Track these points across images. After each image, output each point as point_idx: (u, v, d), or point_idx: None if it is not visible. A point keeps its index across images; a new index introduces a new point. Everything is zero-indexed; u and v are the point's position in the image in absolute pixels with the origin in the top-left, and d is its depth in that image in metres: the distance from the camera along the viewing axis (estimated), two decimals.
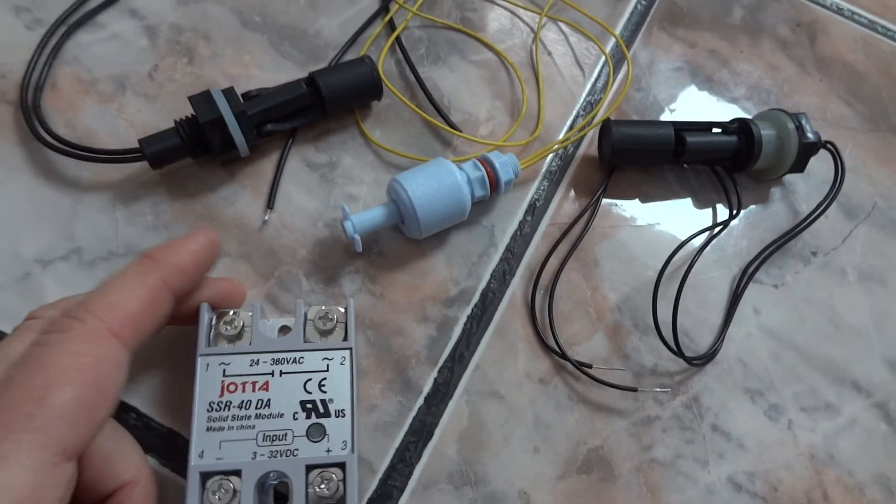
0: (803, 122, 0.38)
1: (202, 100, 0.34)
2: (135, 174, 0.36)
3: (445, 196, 0.32)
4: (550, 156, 0.40)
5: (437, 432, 0.33)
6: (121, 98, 0.37)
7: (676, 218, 0.39)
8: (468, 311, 0.35)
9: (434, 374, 0.34)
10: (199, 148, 0.34)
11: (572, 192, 0.39)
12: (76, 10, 0.39)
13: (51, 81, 0.37)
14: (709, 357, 0.35)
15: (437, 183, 0.32)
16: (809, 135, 0.38)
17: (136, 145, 0.34)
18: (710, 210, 0.40)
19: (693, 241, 0.37)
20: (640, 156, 0.38)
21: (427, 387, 0.33)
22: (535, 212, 0.38)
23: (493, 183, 0.35)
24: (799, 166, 0.38)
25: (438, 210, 0.32)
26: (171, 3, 0.40)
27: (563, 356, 0.34)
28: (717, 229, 0.38)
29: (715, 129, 0.39)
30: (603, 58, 0.43)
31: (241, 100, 0.34)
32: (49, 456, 0.21)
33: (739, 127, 0.38)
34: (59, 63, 0.38)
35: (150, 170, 0.35)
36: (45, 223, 0.34)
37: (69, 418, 0.22)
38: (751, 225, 0.40)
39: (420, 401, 0.33)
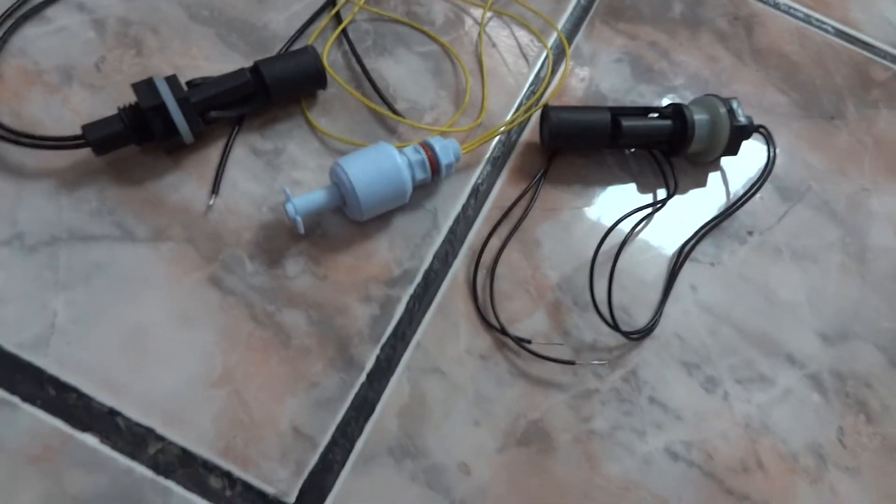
0: (734, 105, 0.40)
1: (145, 86, 0.34)
2: (79, 162, 0.36)
3: (386, 178, 0.33)
4: (494, 142, 0.41)
5: (379, 408, 0.33)
6: (67, 89, 0.38)
7: (617, 200, 0.40)
8: (411, 290, 0.36)
9: (376, 351, 0.34)
10: (143, 134, 0.35)
11: (515, 178, 0.40)
12: (23, 4, 0.39)
13: None
14: (646, 332, 0.36)
15: (378, 166, 0.33)
16: (741, 118, 0.39)
17: (81, 133, 0.34)
18: (650, 194, 0.41)
19: (631, 220, 0.38)
20: (579, 140, 0.39)
21: (369, 364, 0.34)
22: (479, 196, 0.39)
23: (434, 166, 0.36)
24: (732, 149, 0.40)
25: (379, 192, 0.33)
26: None
27: (503, 332, 0.35)
28: (653, 209, 0.39)
29: (651, 115, 0.40)
30: (546, 51, 0.45)
31: (185, 87, 0.35)
32: None
33: (674, 111, 0.40)
34: (5, 55, 0.38)
35: (94, 158, 0.36)
36: None
37: None
38: (688, 206, 0.41)
39: (362, 377, 0.34)
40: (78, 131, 0.35)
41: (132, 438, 0.31)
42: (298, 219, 0.33)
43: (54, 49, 0.39)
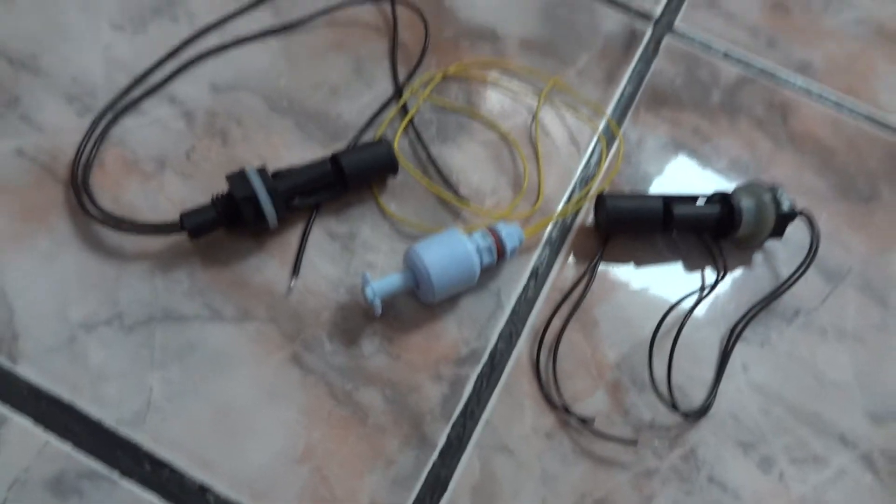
0: (778, 193, 0.42)
1: (237, 178, 0.37)
2: (172, 245, 0.39)
3: (457, 263, 0.36)
4: (550, 225, 0.43)
5: (452, 485, 0.35)
6: (161, 176, 0.41)
7: (668, 281, 0.43)
8: (478, 369, 0.38)
9: (447, 429, 0.36)
10: (233, 220, 0.38)
11: (571, 259, 0.42)
12: (121, 98, 0.43)
13: (98, 162, 0.41)
14: (702, 411, 0.38)
15: (450, 251, 0.36)
16: (785, 205, 0.42)
17: (175, 218, 0.37)
18: (698, 273, 0.43)
19: (683, 302, 0.40)
20: (633, 225, 0.42)
21: (441, 441, 0.36)
22: (538, 277, 0.42)
23: (500, 250, 0.38)
24: (777, 233, 0.42)
25: (451, 276, 0.36)
26: (206, 90, 0.45)
27: (567, 411, 0.37)
28: (705, 292, 0.41)
29: (700, 202, 0.43)
30: (596, 136, 0.48)
31: (271, 177, 0.38)
32: None
33: (721, 199, 0.42)
34: (106, 145, 0.42)
35: (186, 241, 0.39)
36: (90, 291, 0.37)
37: None
38: (736, 287, 0.43)
39: (435, 455, 0.35)
40: (171, 217, 0.38)
41: None
42: (377, 301, 0.36)
43: (150, 139, 0.42)
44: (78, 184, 0.39)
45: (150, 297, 0.37)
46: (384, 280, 0.36)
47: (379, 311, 0.36)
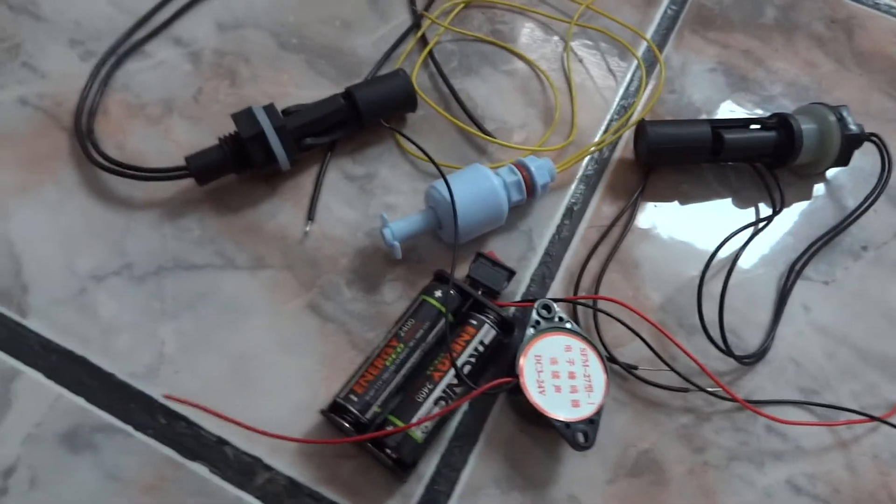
0: (845, 113, 0.37)
1: (244, 116, 0.35)
2: (181, 192, 0.37)
3: (483, 200, 0.33)
4: (586, 160, 0.40)
5: (482, 437, 0.32)
6: (168, 120, 0.39)
7: (718, 217, 0.39)
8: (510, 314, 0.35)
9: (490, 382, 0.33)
10: (242, 163, 0.35)
11: (609, 195, 0.39)
12: (125, 41, 0.41)
13: (102, 108, 0.39)
14: (759, 355, 0.35)
15: (475, 187, 0.33)
16: (852, 126, 0.37)
17: (183, 164, 0.35)
18: (752, 209, 0.39)
19: (736, 238, 0.37)
20: (677, 155, 0.38)
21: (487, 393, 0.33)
22: (573, 215, 0.38)
23: (530, 187, 0.35)
24: (843, 160, 0.38)
25: (477, 214, 0.33)
26: (212, 29, 0.42)
27: (610, 358, 0.34)
28: (760, 225, 0.37)
29: (753, 126, 0.39)
30: (635, 62, 0.43)
31: (281, 115, 0.36)
32: None
33: (778, 122, 0.38)
34: (109, 90, 0.39)
35: (195, 187, 0.36)
36: (98, 240, 0.35)
37: None
38: (795, 221, 0.39)
39: (465, 406, 0.33)
40: (179, 162, 0.36)
41: (240, 468, 0.31)
42: (396, 244, 0.33)
43: (154, 83, 0.40)
44: (82, 131, 0.37)
45: (160, 247, 0.35)
46: (404, 220, 0.33)
47: (399, 254, 0.33)
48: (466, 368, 0.31)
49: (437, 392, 0.30)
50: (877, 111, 0.43)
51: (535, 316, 0.32)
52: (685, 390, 0.33)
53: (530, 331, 0.31)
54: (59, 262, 0.35)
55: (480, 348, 0.31)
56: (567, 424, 0.30)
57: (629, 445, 0.33)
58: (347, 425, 0.29)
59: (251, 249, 0.36)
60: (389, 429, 0.29)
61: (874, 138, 0.38)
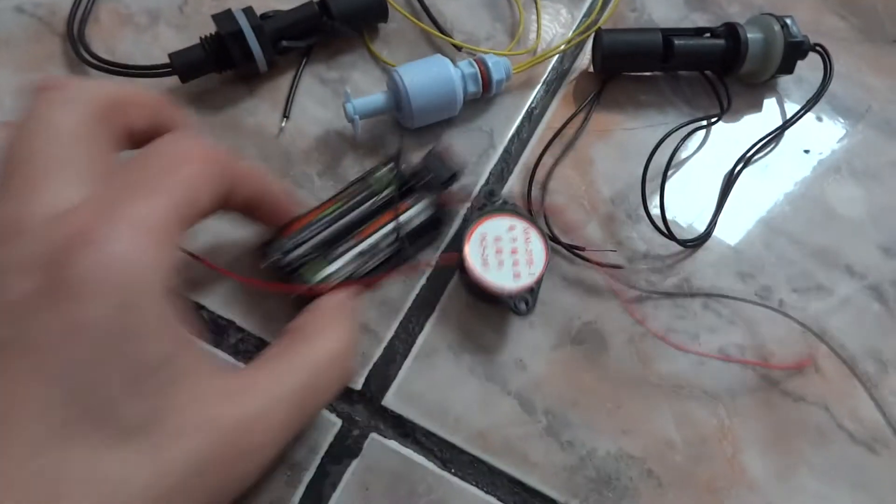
0: (789, 22, 0.40)
1: (224, 16, 0.37)
2: (165, 91, 0.39)
3: (438, 86, 0.35)
4: (548, 68, 0.42)
5: (438, 308, 0.35)
6: (155, 29, 0.42)
7: (670, 122, 0.41)
8: (468, 204, 0.38)
9: (437, 256, 0.36)
10: (222, 62, 0.38)
11: (568, 102, 0.41)
12: None
13: (94, 16, 0.41)
14: (700, 241, 0.37)
15: (431, 72, 0.35)
16: (795, 34, 0.39)
17: (168, 63, 0.38)
18: (703, 115, 0.41)
19: (684, 136, 0.39)
20: (630, 61, 0.40)
21: (429, 269, 0.36)
22: (532, 119, 0.41)
23: (486, 80, 0.37)
24: (786, 67, 0.40)
25: (431, 99, 0.35)
26: None
27: (555, 240, 0.36)
28: (703, 123, 0.39)
29: (703, 35, 0.41)
30: None
31: (259, 18, 0.38)
32: (184, 200, 0.24)
33: (726, 30, 0.40)
34: (100, 1, 0.42)
35: (179, 87, 0.39)
36: None
37: (198, 182, 0.24)
38: (742, 126, 0.41)
39: (422, 280, 0.36)
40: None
41: (216, 329, 0.34)
42: (356, 118, 0.36)
43: None
44: (74, 35, 0.40)
45: None
46: (365, 98, 0.36)
47: (358, 129, 0.36)
48: (391, 238, 0.33)
49: (362, 247, 0.33)
50: (827, 29, 0.45)
51: (480, 200, 0.35)
52: (622, 267, 0.36)
53: (476, 213, 0.34)
54: None
55: (409, 226, 0.34)
56: (509, 294, 0.32)
57: (574, 318, 0.35)
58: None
59: (230, 142, 0.38)
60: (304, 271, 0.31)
61: (819, 48, 0.41)
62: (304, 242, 0.32)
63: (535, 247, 0.33)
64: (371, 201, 0.34)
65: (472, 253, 0.33)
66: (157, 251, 0.22)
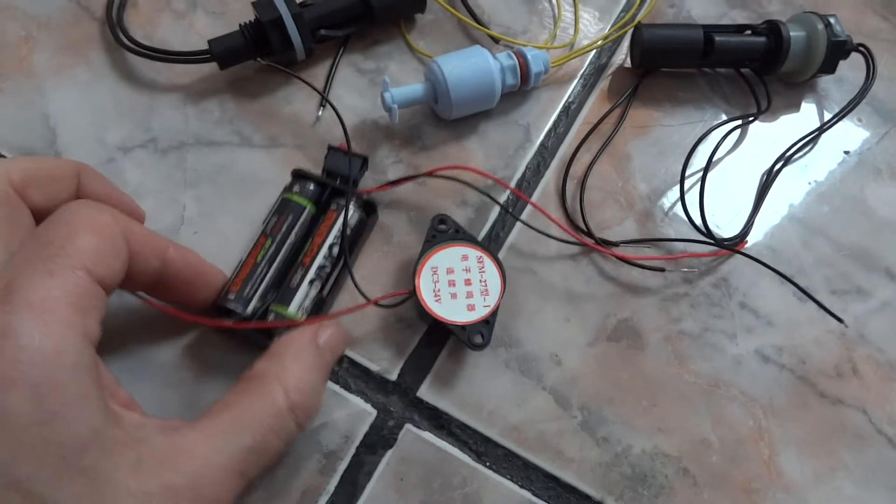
0: (833, 21, 0.39)
1: (264, 4, 0.37)
2: (203, 77, 0.40)
3: (477, 77, 0.35)
4: (586, 63, 0.42)
5: None
6: (192, 15, 0.42)
7: (708, 119, 0.41)
8: (505, 196, 0.38)
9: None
10: (261, 49, 0.38)
11: (606, 97, 0.41)
12: None
13: (132, 1, 0.42)
14: (737, 240, 0.37)
15: (471, 64, 0.35)
16: (839, 34, 0.39)
17: (206, 49, 0.38)
18: (741, 113, 0.41)
19: (723, 134, 0.39)
20: (670, 57, 0.40)
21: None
22: (570, 113, 0.40)
23: (525, 73, 0.37)
24: (828, 66, 0.39)
25: (470, 90, 0.35)
26: None
27: (591, 236, 0.36)
28: (742, 122, 0.39)
29: (746, 33, 0.40)
30: None
31: (299, 6, 0.38)
32: (85, 275, 0.23)
33: (768, 28, 0.40)
34: None
35: (217, 74, 0.39)
36: (125, 118, 0.38)
37: (98, 254, 0.24)
38: (782, 125, 0.41)
39: None
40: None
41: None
42: (395, 107, 0.35)
43: None
44: (113, 21, 0.40)
45: (182, 125, 0.38)
46: (403, 88, 0.36)
47: (396, 117, 0.36)
48: (334, 249, 0.33)
49: (310, 274, 0.32)
50: (869, 30, 0.44)
51: (431, 231, 0.33)
52: (661, 270, 0.35)
53: (426, 245, 0.33)
54: (90, 134, 0.38)
55: (346, 230, 0.33)
56: (463, 327, 0.31)
57: (609, 314, 0.35)
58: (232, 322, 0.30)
59: (266, 130, 0.38)
60: (271, 319, 0.31)
61: (862, 48, 0.40)
62: (256, 290, 0.32)
63: (490, 276, 0.32)
64: (297, 226, 0.33)
65: (423, 286, 0.32)
66: (62, 332, 0.21)
